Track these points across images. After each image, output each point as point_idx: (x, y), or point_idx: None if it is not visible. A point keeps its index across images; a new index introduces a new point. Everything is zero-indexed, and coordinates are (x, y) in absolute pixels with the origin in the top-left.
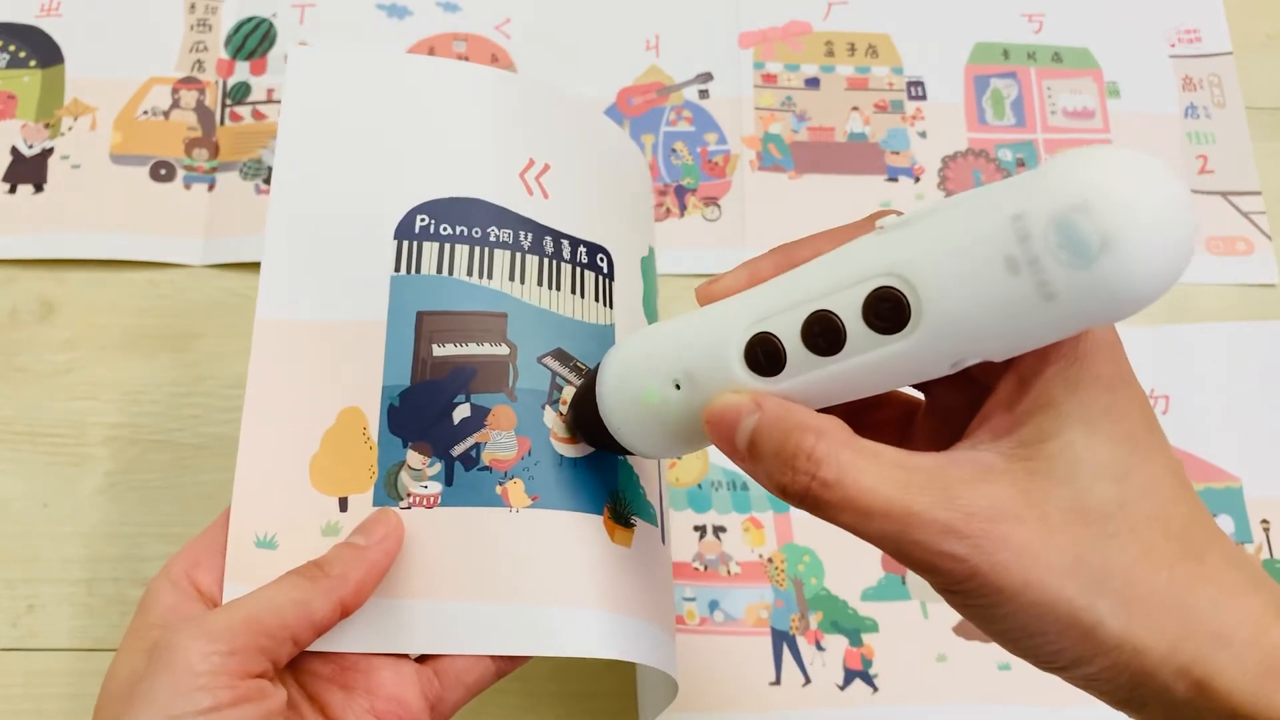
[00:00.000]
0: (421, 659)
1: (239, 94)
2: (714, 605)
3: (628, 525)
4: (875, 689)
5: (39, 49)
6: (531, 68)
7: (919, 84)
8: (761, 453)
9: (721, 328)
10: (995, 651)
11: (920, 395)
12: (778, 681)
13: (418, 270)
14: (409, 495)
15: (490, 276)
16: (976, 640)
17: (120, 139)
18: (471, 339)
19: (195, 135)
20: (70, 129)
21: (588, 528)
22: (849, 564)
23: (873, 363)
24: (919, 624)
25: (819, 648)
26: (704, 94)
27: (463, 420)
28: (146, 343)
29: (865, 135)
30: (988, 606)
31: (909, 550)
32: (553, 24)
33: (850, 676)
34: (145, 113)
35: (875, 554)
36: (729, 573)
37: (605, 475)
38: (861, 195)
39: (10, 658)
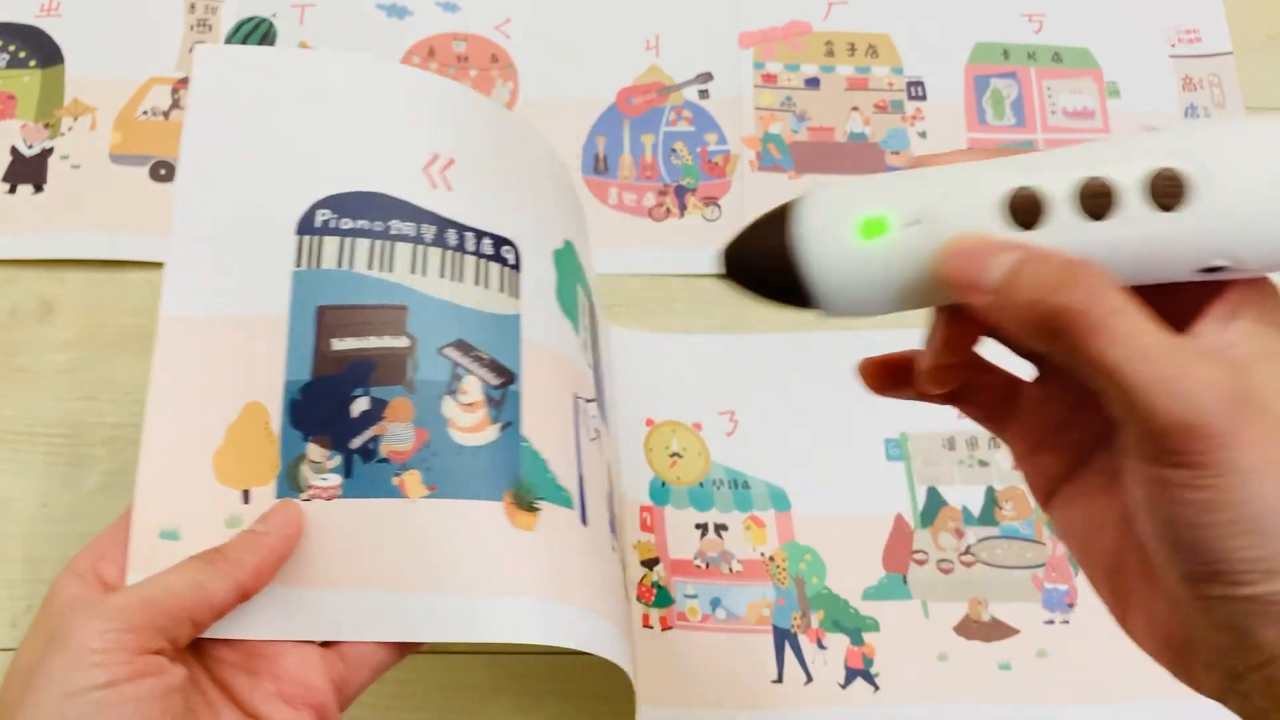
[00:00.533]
0: (326, 643)
1: None
2: (716, 602)
3: (531, 510)
4: (876, 688)
5: (39, 49)
6: (531, 68)
7: (919, 84)
8: (1021, 282)
9: (978, 174)
10: (995, 651)
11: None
12: (780, 679)
13: (319, 265)
14: (309, 488)
15: (391, 270)
16: (977, 640)
17: (120, 139)
18: (371, 332)
19: None
20: (70, 129)
21: (485, 515)
22: (850, 563)
23: (1135, 237)
24: (920, 623)
25: (820, 646)
26: (704, 94)
27: (361, 413)
28: (146, 343)
29: (865, 135)
30: (1215, 487)
31: (1165, 403)
32: (553, 24)
33: (852, 675)
34: (145, 113)
35: (876, 552)
36: (730, 570)
37: (507, 462)
38: None
39: (10, 658)
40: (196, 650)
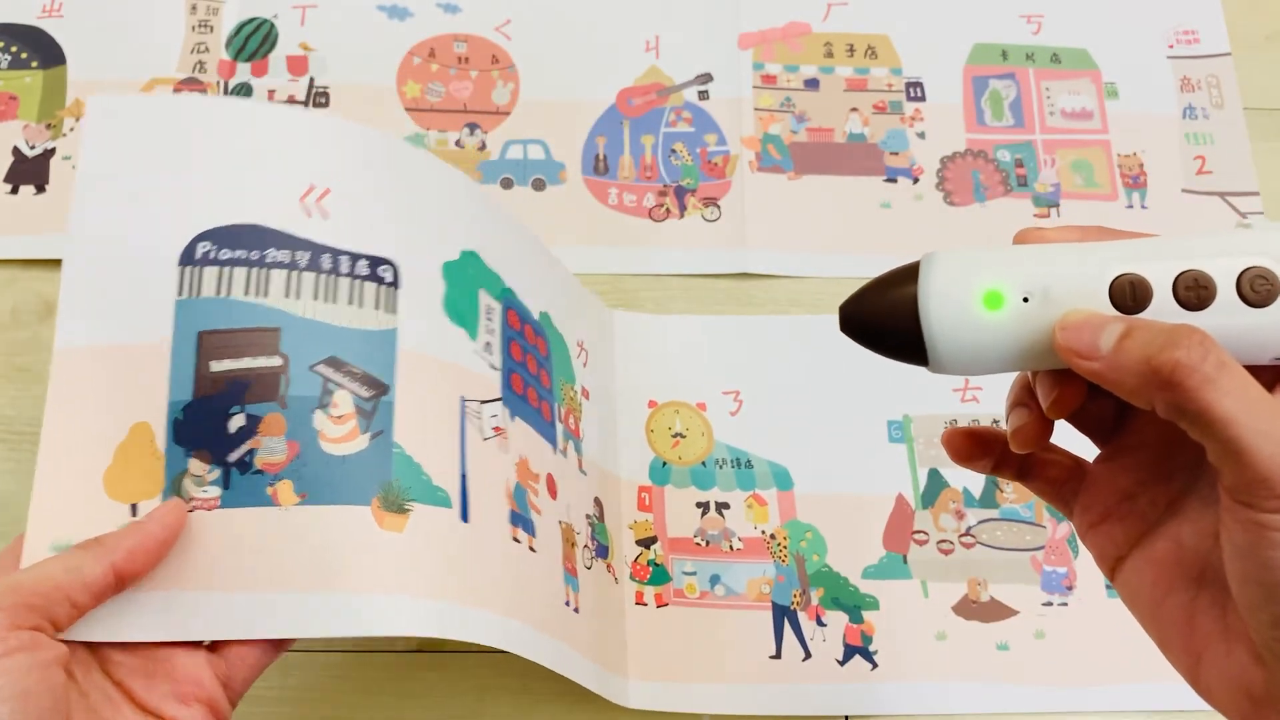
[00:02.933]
0: (211, 644)
1: (240, 95)
2: (715, 579)
3: (401, 511)
4: (875, 665)
5: (41, 50)
6: (532, 68)
7: (918, 85)
8: (1135, 350)
9: (1087, 258)
10: (994, 632)
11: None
12: (778, 655)
13: (199, 294)
14: (192, 499)
15: (266, 295)
16: (975, 620)
17: None
18: (247, 353)
19: None
20: (72, 129)
21: (353, 518)
22: (851, 542)
23: (1228, 327)
24: (919, 603)
25: (820, 623)
26: (704, 95)
27: (238, 429)
28: None
29: (864, 136)
30: None
31: (1272, 450)
32: (553, 25)
33: (850, 652)
34: None
35: (877, 532)
36: (731, 548)
37: (377, 468)
38: (860, 196)
39: None
40: (98, 657)
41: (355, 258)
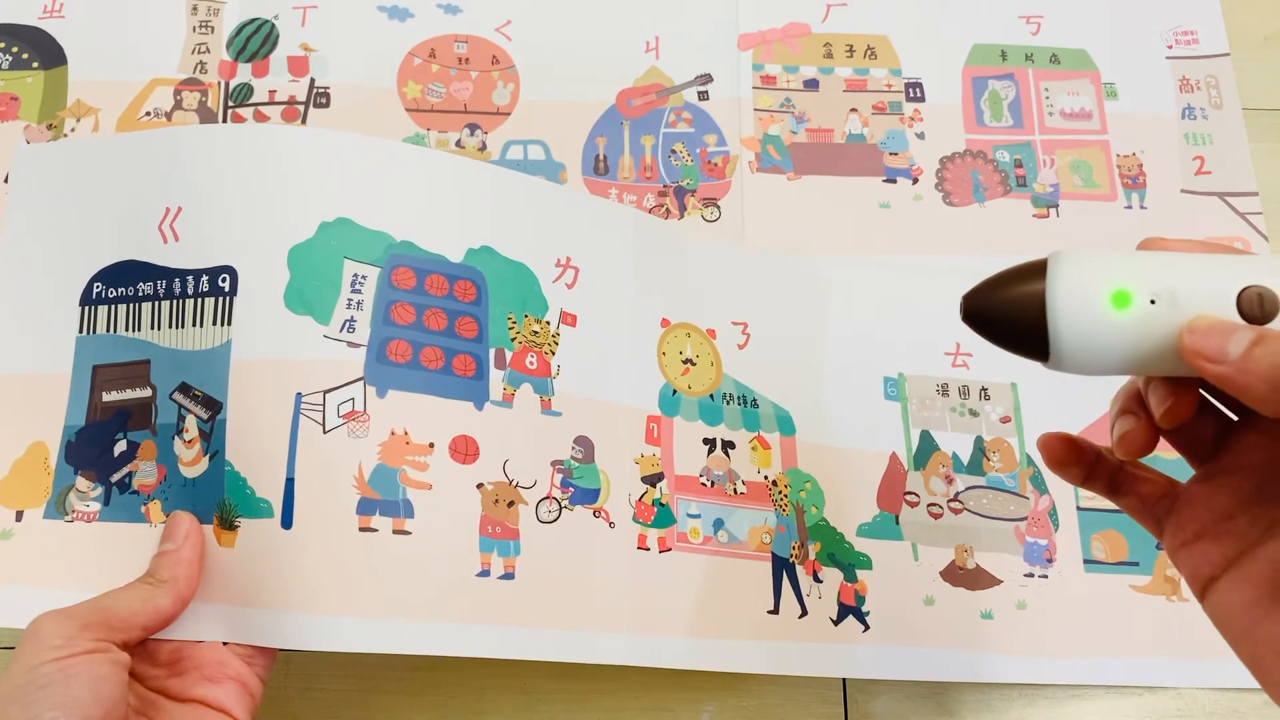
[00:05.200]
0: None
1: (241, 96)
2: (719, 524)
3: (231, 528)
4: (867, 626)
5: (42, 50)
6: (532, 69)
7: (917, 85)
8: (1267, 357)
9: (1216, 266)
10: (978, 599)
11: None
12: (776, 611)
13: (94, 331)
14: (73, 511)
15: (139, 329)
16: (962, 587)
17: None
18: (129, 385)
19: None
20: (73, 130)
21: (204, 537)
22: (847, 497)
23: None
24: (910, 566)
25: (816, 579)
26: (703, 95)
27: (120, 453)
28: None
29: (864, 136)
30: None
31: None
32: (553, 25)
33: (844, 612)
34: (147, 114)
35: (871, 489)
36: (735, 491)
37: (215, 488)
38: (860, 196)
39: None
40: (134, 673)
41: (199, 275)
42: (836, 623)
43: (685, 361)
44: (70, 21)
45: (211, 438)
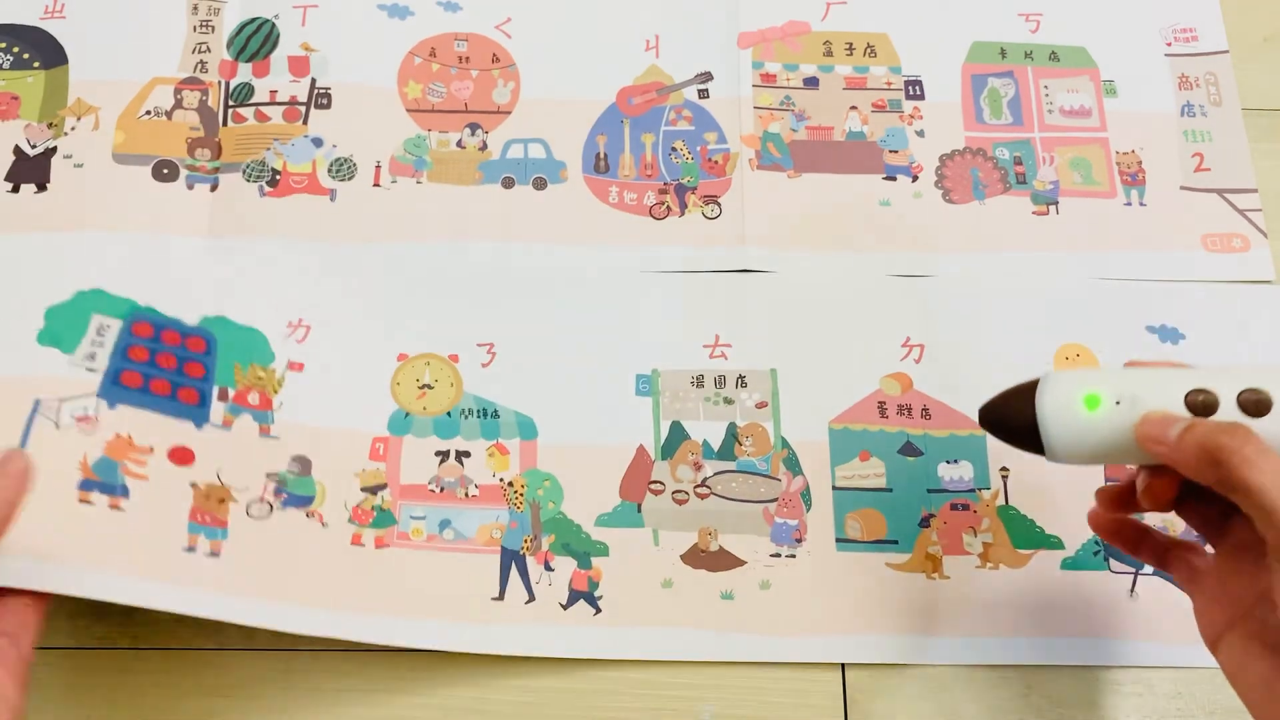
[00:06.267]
0: None
1: (242, 95)
2: (444, 524)
3: None
4: (598, 610)
5: (43, 50)
6: (532, 67)
7: (917, 83)
8: (1193, 437)
9: (1170, 376)
10: (719, 580)
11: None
12: (500, 597)
13: None
14: None
15: None
16: (703, 570)
17: (123, 139)
18: None
19: (198, 135)
20: (73, 129)
21: None
22: (588, 490)
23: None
24: (649, 550)
25: (548, 568)
26: (703, 93)
27: None
28: None
29: (863, 134)
30: None
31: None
32: (553, 24)
33: (575, 597)
34: (148, 113)
35: (614, 481)
36: (467, 495)
37: None
38: (860, 194)
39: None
40: None
41: None
42: (566, 607)
43: (423, 387)
44: (71, 21)
45: None
